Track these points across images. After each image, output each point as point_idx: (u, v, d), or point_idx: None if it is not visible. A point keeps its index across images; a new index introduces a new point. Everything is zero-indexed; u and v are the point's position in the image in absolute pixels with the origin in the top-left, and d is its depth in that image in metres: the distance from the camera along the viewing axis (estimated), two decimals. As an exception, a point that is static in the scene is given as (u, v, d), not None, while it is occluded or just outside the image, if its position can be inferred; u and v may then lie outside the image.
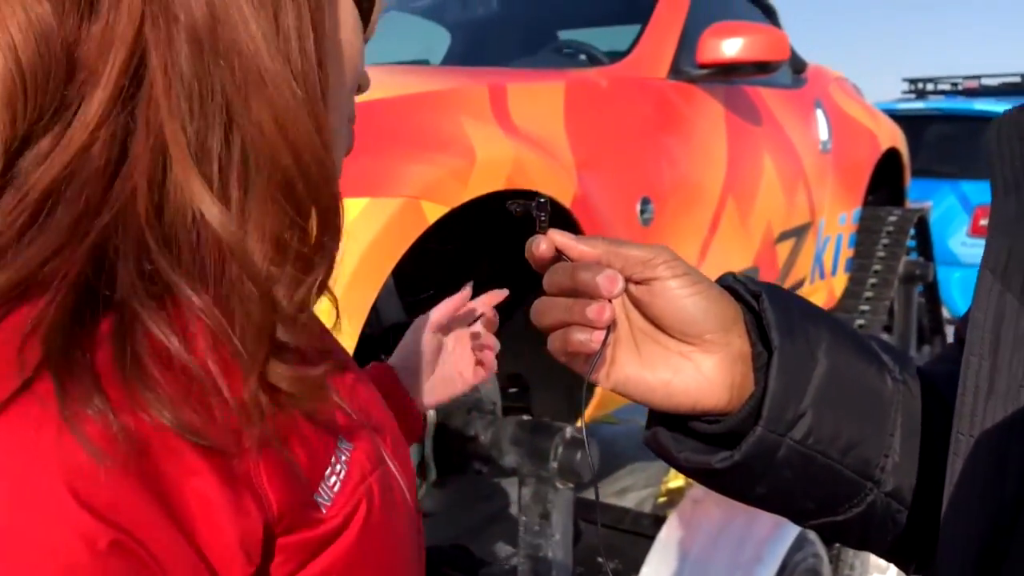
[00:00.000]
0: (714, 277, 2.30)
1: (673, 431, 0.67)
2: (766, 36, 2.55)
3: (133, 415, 0.38)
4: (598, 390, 2.21)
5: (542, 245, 0.62)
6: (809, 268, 3.37)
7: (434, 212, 1.63)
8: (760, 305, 0.64)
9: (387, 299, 2.00)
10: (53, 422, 0.36)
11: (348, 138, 0.58)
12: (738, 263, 2.77)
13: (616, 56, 2.66)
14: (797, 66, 3.53)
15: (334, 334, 0.62)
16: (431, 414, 1.79)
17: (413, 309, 2.07)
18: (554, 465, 1.75)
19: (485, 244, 2.05)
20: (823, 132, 3.41)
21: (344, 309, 1.50)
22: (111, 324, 0.40)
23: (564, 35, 3.23)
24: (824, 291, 3.60)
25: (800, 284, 3.32)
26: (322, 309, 1.51)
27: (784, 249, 3.09)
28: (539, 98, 2.09)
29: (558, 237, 0.62)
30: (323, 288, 0.50)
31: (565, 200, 1.94)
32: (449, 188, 1.67)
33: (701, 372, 0.62)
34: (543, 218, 0.62)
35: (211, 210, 0.42)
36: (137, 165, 0.42)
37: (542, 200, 0.61)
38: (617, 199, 2.17)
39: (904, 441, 0.65)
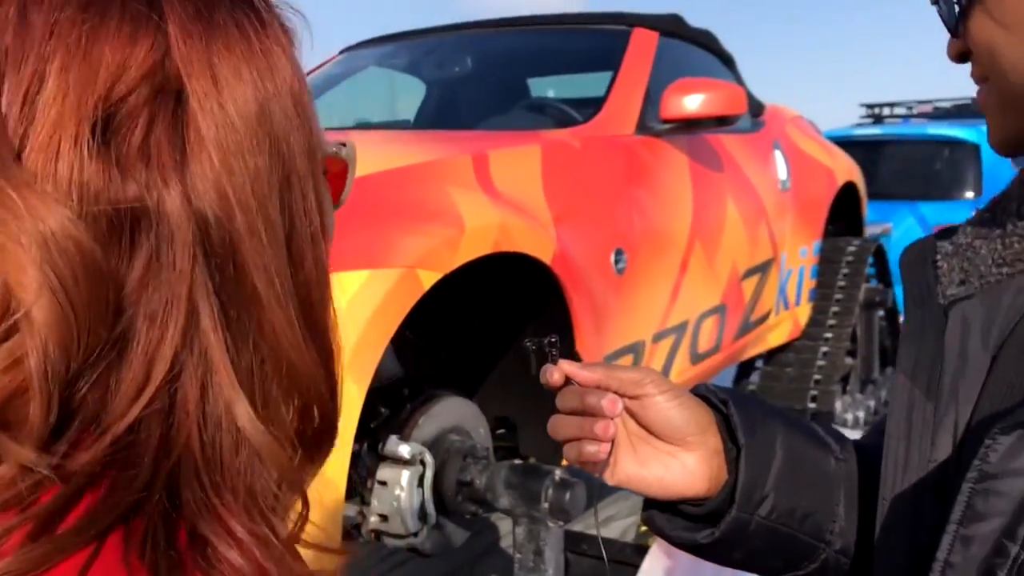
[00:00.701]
0: (686, 316, 2.49)
1: (665, 511, 0.83)
2: (724, 92, 2.74)
3: None
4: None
5: (555, 375, 0.78)
6: (774, 301, 3.55)
7: (429, 279, 1.79)
8: (728, 410, 0.81)
9: (384, 357, 2.15)
10: None
11: None
12: (707, 302, 2.95)
13: (585, 105, 2.85)
14: (755, 110, 3.73)
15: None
16: (429, 460, 1.94)
17: (410, 363, 2.23)
18: (545, 506, 1.90)
19: (475, 299, 2.21)
20: (782, 172, 3.61)
21: (350, 373, 1.65)
22: (187, 535, 0.46)
23: (534, 83, 3.42)
24: (789, 321, 3.79)
25: (766, 316, 3.51)
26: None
27: (750, 285, 3.27)
28: (518, 163, 2.26)
29: (567, 367, 0.78)
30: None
31: (545, 258, 2.10)
32: (442, 256, 1.83)
33: (686, 467, 0.79)
34: (555, 352, 0.78)
35: (256, 435, 0.47)
36: (191, 396, 0.45)
37: (553, 339, 0.77)
38: (593, 252, 2.34)
39: (847, 508, 0.83)
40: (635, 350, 2.57)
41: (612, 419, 0.76)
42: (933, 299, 0.72)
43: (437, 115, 3.30)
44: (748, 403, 0.83)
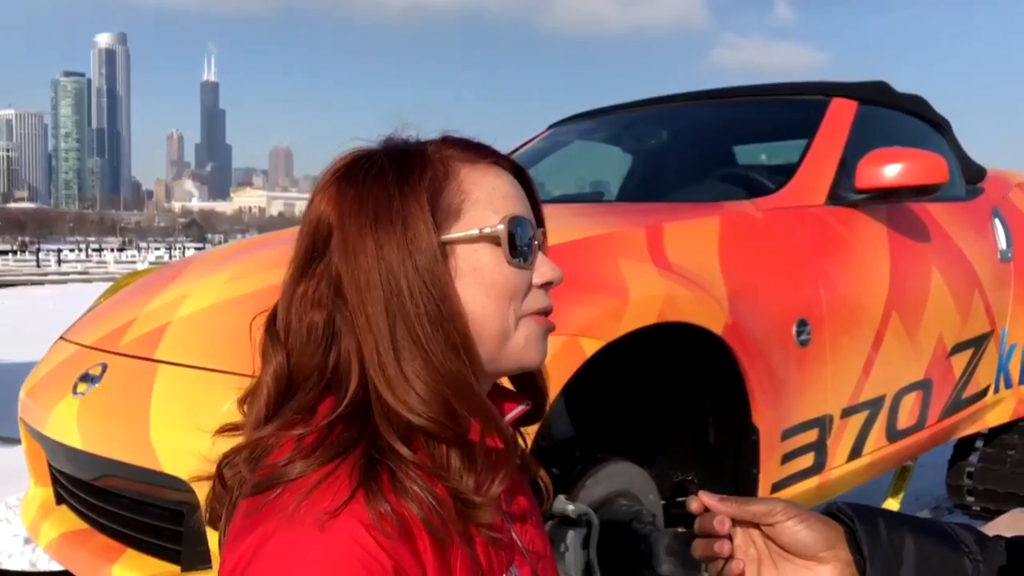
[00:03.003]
0: (883, 391, 2.46)
1: None
2: (922, 161, 2.67)
3: (403, 512, 0.76)
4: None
5: (694, 504, 0.93)
6: (992, 377, 3.34)
7: (591, 346, 1.88)
8: (853, 525, 0.91)
9: (558, 418, 2.26)
10: (364, 515, 0.75)
11: (530, 333, 0.90)
12: (906, 376, 2.83)
13: (781, 172, 2.86)
14: (973, 176, 3.56)
15: None
16: (595, 522, 2.01)
17: (582, 426, 2.32)
18: (705, 574, 1.92)
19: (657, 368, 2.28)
20: (1001, 241, 3.41)
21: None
22: (387, 469, 0.79)
23: (739, 150, 3.46)
24: (1012, 400, 3.53)
25: (983, 393, 3.30)
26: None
27: (960, 360, 3.10)
28: (694, 235, 2.32)
29: (704, 498, 0.92)
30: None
31: (716, 328, 2.14)
32: (605, 325, 1.92)
33: None
34: (694, 488, 0.93)
35: (415, 416, 0.80)
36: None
37: (691, 478, 0.96)
38: (772, 323, 2.34)
39: None
40: (821, 424, 2.52)
41: (728, 537, 0.91)
42: None
43: (634, 186, 3.41)
44: (874, 516, 0.92)
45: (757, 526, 0.92)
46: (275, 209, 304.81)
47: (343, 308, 0.83)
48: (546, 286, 0.91)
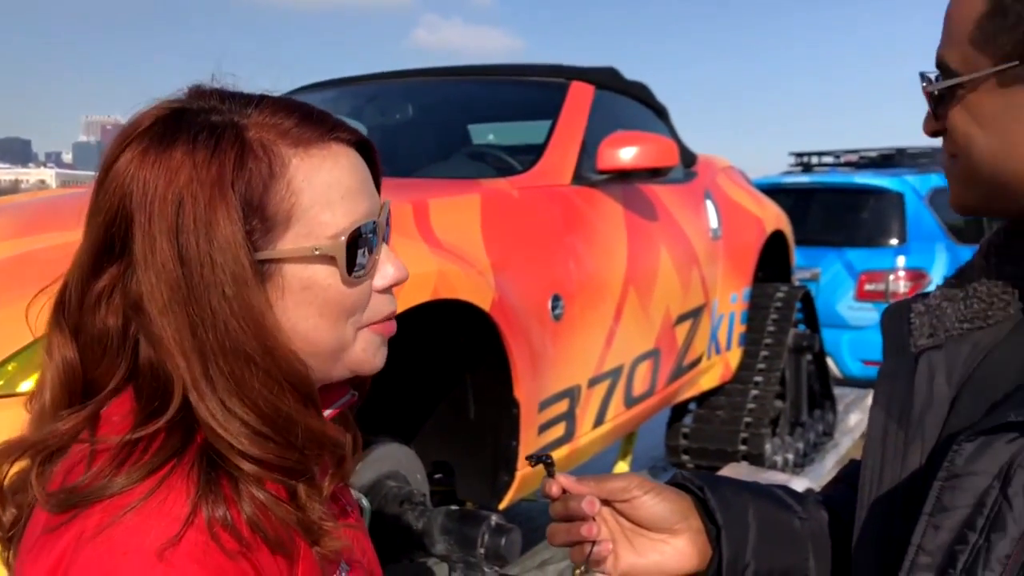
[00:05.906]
0: (621, 361, 2.58)
1: None
2: (657, 145, 2.84)
3: (252, 526, 0.70)
4: (519, 475, 2.42)
5: (553, 488, 0.92)
6: (706, 345, 3.65)
7: (369, 326, 1.82)
8: (704, 494, 0.94)
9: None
10: (207, 536, 0.67)
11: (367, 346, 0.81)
12: (641, 347, 3.02)
13: (524, 152, 2.93)
14: (687, 160, 3.85)
15: None
16: (366, 505, 1.96)
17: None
18: (481, 551, 1.94)
19: (413, 345, 2.25)
20: (713, 220, 3.73)
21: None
22: (227, 476, 0.71)
23: (474, 129, 3.49)
24: (720, 365, 3.89)
25: (698, 360, 3.60)
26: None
27: (682, 330, 3.36)
28: (458, 212, 2.32)
29: (562, 480, 0.92)
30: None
31: (484, 305, 2.15)
32: (381, 304, 1.87)
33: (678, 550, 0.93)
34: (552, 469, 0.92)
35: (243, 451, 0.72)
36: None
37: (549, 459, 0.92)
38: (531, 299, 2.40)
39: (816, 560, 0.96)
40: (571, 394, 2.62)
41: (593, 519, 0.90)
42: (906, 348, 0.86)
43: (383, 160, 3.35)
44: (719, 484, 0.96)
45: (608, 503, 0.93)
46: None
47: (147, 323, 0.72)
48: (391, 287, 0.82)
